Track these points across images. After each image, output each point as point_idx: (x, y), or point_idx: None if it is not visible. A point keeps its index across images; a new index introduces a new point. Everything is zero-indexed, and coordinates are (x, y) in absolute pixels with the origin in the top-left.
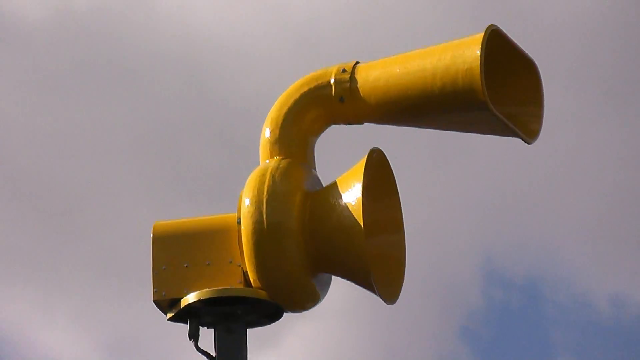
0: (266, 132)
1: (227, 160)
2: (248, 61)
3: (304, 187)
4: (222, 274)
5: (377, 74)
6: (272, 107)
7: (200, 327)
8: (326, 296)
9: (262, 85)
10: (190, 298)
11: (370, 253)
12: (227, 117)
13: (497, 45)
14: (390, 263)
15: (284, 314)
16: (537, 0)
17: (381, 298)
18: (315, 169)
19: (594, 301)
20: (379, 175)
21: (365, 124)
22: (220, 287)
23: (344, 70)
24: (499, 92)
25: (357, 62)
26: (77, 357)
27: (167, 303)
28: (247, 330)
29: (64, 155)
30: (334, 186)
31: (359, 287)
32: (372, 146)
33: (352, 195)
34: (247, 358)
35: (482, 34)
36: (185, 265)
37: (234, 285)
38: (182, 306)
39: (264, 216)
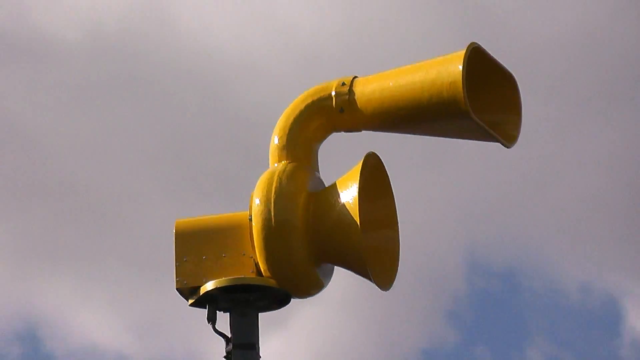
0: (275, 139)
1: (240, 164)
2: (258, 76)
3: (308, 188)
4: (236, 265)
5: (372, 87)
6: (280, 117)
7: (217, 311)
8: (329, 284)
9: (271, 98)
10: (209, 286)
11: (366, 246)
12: (240, 126)
13: (479, 60)
14: (385, 255)
15: (291, 299)
16: (519, 19)
17: (377, 285)
18: (318, 171)
19: (564, 288)
20: (375, 177)
21: (363, 132)
22: (234, 277)
23: (343, 84)
24: (482, 102)
25: (355, 77)
26: (111, 337)
27: (188, 291)
28: (259, 314)
29: (99, 161)
30: (334, 187)
31: (357, 275)
32: (369, 151)
33: (349, 194)
34: (258, 339)
35: (464, 51)
36: (203, 257)
37: (246, 274)
38: (201, 293)
39: (272, 214)
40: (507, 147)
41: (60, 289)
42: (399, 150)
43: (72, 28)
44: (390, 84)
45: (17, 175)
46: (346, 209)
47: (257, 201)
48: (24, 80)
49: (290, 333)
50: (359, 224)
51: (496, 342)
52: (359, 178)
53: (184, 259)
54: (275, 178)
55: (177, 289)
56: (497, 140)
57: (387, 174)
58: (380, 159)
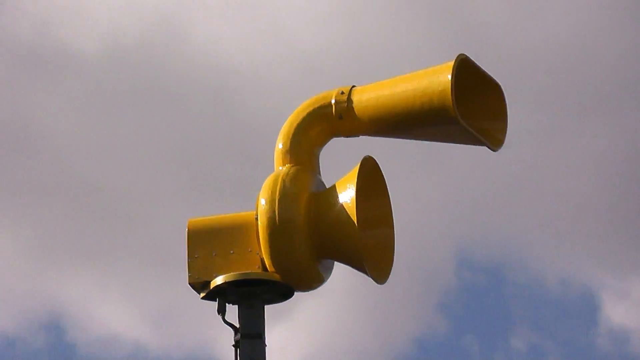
0: (279, 144)
1: (247, 167)
2: (264, 86)
3: (310, 189)
4: (244, 261)
5: (369, 95)
6: (284, 124)
7: (226, 304)
8: (330, 278)
9: (276, 105)
10: (218, 280)
11: (363, 243)
12: (248, 132)
13: (468, 70)
14: (381, 251)
15: (295, 293)
16: (504, 33)
17: (373, 279)
18: (319, 174)
19: (545, 282)
20: (372, 178)
21: (361, 137)
22: (242, 272)
23: (342, 93)
24: (471, 109)
25: (353, 86)
26: (128, 327)
27: (199, 285)
28: (265, 306)
29: (117, 165)
30: (333, 188)
31: (355, 270)
32: (366, 155)
33: (347, 195)
34: (264, 329)
35: (453, 62)
36: (214, 254)
37: (253, 270)
38: (211, 287)
39: (277, 213)
40: (494, 151)
41: (81, 283)
42: (394, 154)
43: (92, 41)
44: (386, 92)
45: (42, 178)
46: (344, 208)
47: (262, 202)
48: (48, 89)
49: (294, 324)
50: (356, 222)
51: (483, 331)
52: (356, 180)
53: (196, 256)
54: (280, 180)
55: (189, 283)
56: (484, 145)
57: (383, 175)
58: (376, 162)
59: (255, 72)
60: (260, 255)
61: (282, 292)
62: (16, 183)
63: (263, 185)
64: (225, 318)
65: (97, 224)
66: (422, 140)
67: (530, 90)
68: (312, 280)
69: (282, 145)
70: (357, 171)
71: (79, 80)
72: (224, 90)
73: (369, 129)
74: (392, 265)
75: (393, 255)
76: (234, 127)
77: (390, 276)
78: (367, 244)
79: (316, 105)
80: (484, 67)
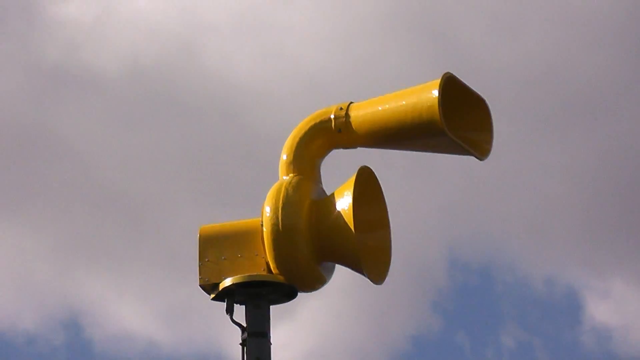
0: (283, 156)
1: (254, 177)
2: (270, 102)
3: (311, 197)
4: (250, 264)
5: (365, 111)
6: (288, 137)
7: (234, 304)
8: (331, 279)
9: (281, 120)
10: (227, 282)
11: (360, 246)
12: (255, 144)
13: (455, 86)
14: (379, 253)
15: (298, 293)
16: (488, 50)
17: (371, 280)
18: (321, 182)
19: (532, 281)
20: (368, 185)
21: (359, 148)
22: (249, 274)
23: (340, 109)
24: (458, 121)
25: (351, 102)
26: (143, 325)
27: (209, 286)
28: (270, 306)
29: (134, 174)
30: (332, 196)
31: (354, 272)
32: (362, 165)
33: (345, 202)
34: (270, 328)
35: (440, 79)
36: (223, 258)
37: (259, 272)
38: (220, 289)
39: (280, 220)
40: (481, 160)
41: (99, 283)
42: (390, 164)
43: (115, 62)
44: (380, 108)
45: (65, 185)
46: (342, 214)
47: (267, 209)
48: (74, 104)
49: (298, 323)
50: (353, 227)
51: (474, 328)
52: (353, 188)
53: (206, 259)
54: (283, 189)
55: (200, 285)
56: (472, 154)
57: (379, 183)
58: (372, 171)
59: (262, 89)
60: (266, 258)
61: (286, 293)
62: (42, 189)
63: (268, 194)
64: (234, 317)
65: (115, 229)
66: (414, 150)
67: (511, 103)
68: (314, 281)
69: (286, 156)
70: (354, 180)
71: (102, 96)
72: (234, 106)
73: (366, 142)
74: (389, 266)
75: (390, 257)
76: (243, 139)
77: (387, 277)
78: (365, 247)
79: (317, 120)
80: (471, 84)
